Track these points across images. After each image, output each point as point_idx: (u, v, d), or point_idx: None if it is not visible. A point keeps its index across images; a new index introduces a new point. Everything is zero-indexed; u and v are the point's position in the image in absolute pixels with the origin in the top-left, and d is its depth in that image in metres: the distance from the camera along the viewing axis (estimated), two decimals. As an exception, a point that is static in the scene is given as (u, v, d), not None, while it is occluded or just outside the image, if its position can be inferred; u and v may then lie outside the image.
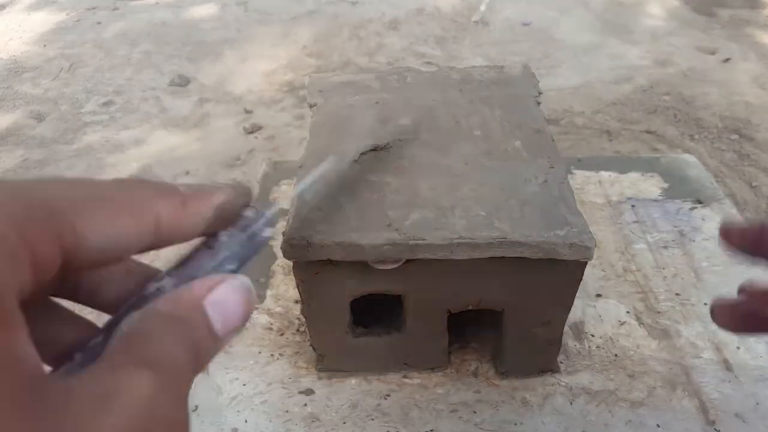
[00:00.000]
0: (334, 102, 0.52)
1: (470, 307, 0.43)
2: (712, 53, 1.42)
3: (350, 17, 1.76)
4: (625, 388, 0.45)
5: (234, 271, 0.20)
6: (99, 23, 1.82)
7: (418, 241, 0.36)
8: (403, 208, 0.39)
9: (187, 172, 1.04)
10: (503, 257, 0.37)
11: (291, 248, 0.37)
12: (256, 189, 0.70)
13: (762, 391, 0.45)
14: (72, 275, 0.18)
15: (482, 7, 1.77)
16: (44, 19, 1.88)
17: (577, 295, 0.41)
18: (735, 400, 0.44)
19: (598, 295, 0.53)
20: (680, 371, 0.46)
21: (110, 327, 0.18)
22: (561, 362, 0.48)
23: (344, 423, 0.44)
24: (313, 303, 0.42)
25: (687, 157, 0.72)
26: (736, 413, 0.43)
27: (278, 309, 0.54)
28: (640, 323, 0.51)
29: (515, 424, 0.43)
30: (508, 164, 0.43)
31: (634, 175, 0.68)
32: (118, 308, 0.19)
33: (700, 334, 0.49)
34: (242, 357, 0.50)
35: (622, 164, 0.70)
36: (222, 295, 0.18)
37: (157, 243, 0.18)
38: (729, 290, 0.53)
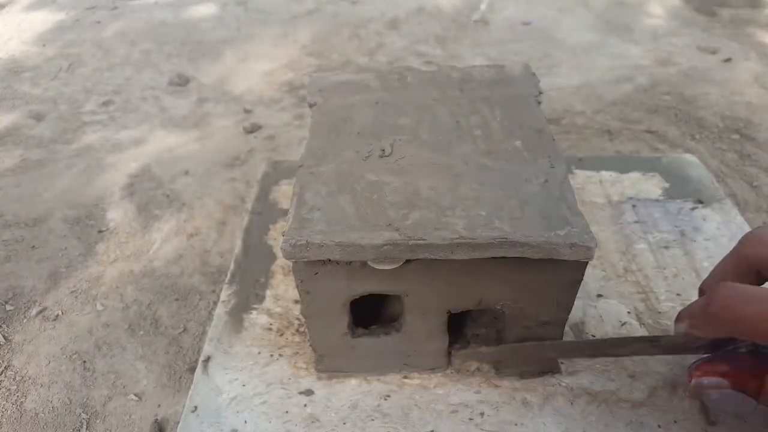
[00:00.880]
0: (334, 101, 0.52)
1: (470, 307, 0.43)
2: (713, 53, 1.41)
3: (350, 17, 1.76)
4: (626, 388, 0.45)
5: None
6: (98, 23, 1.82)
7: (418, 241, 0.36)
8: (403, 208, 0.39)
9: (187, 172, 1.04)
10: (503, 257, 0.37)
11: (291, 248, 0.37)
12: (255, 189, 0.70)
13: (763, 391, 0.45)
14: None
15: (482, 7, 1.77)
16: (43, 19, 1.87)
17: (577, 295, 0.41)
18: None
19: (599, 296, 0.53)
20: (681, 372, 0.46)
21: None
22: (562, 363, 0.47)
23: (344, 424, 0.44)
24: (313, 303, 0.42)
25: (688, 156, 0.72)
26: (737, 414, 0.43)
27: (278, 309, 0.54)
28: (641, 323, 0.51)
29: (516, 425, 0.43)
30: (508, 164, 0.43)
31: (635, 175, 0.68)
32: None
33: (702, 335, 0.49)
34: (241, 357, 0.50)
35: (623, 164, 0.70)
36: None
37: None
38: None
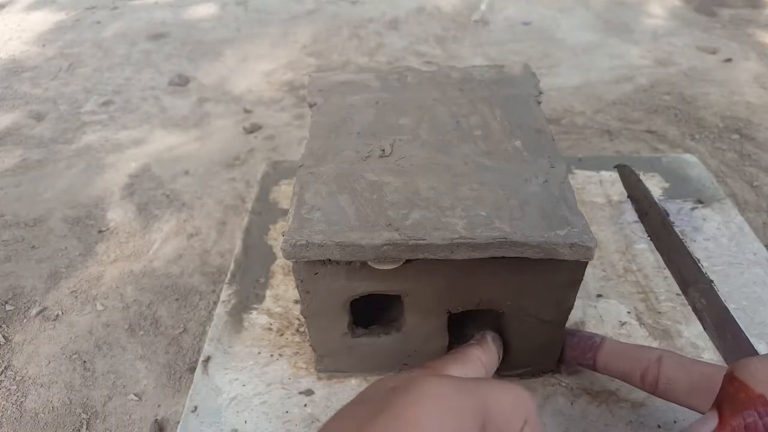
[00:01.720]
0: (334, 101, 0.52)
1: (470, 307, 0.42)
2: (713, 53, 1.42)
3: (350, 17, 1.76)
4: (626, 388, 0.45)
5: None
6: (98, 23, 1.82)
7: (418, 241, 0.36)
8: (403, 208, 0.39)
9: (187, 172, 1.04)
10: (503, 257, 0.37)
11: (291, 248, 0.37)
12: (255, 189, 0.70)
13: (763, 391, 0.45)
14: None
15: (482, 7, 1.77)
16: (43, 19, 1.87)
17: (577, 295, 0.41)
18: (736, 400, 0.44)
19: (599, 296, 0.53)
20: (681, 372, 0.46)
21: None
22: (561, 363, 0.47)
23: (344, 424, 0.44)
24: (313, 303, 0.42)
25: (688, 156, 0.72)
26: (738, 414, 0.43)
27: (278, 309, 0.54)
28: (641, 323, 0.51)
29: (516, 425, 0.43)
30: (508, 164, 0.43)
31: (634, 175, 0.68)
32: None
33: (701, 335, 0.49)
34: (241, 357, 0.50)
35: (623, 164, 0.70)
36: None
37: None
38: (729, 290, 0.54)
